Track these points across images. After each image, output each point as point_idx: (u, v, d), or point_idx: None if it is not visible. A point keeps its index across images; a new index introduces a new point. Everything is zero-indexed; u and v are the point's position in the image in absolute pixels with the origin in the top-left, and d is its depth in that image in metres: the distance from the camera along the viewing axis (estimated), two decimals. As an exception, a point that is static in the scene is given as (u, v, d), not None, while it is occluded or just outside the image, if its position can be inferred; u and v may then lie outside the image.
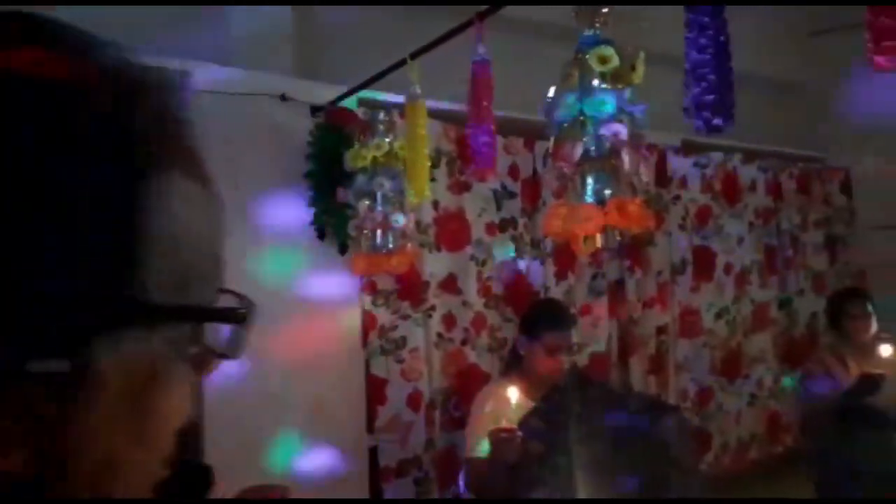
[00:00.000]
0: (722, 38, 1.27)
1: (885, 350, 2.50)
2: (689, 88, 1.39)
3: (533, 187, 2.92)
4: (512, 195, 2.87)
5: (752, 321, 3.75)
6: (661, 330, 3.35)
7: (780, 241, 3.96)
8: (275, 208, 2.33)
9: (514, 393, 1.90)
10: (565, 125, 1.45)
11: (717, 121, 1.29)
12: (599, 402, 2.15)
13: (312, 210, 2.32)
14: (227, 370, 2.15)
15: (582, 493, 1.94)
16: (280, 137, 2.36)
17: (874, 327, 2.72)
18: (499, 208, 2.84)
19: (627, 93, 1.45)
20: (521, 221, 2.89)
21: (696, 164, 3.58)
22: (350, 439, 2.39)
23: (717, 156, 3.68)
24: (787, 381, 3.81)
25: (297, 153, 2.35)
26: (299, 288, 2.36)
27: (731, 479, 3.52)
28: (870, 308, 2.74)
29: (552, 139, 1.48)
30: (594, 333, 3.12)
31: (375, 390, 2.47)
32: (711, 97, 1.29)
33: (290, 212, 2.34)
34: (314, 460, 2.33)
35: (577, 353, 2.95)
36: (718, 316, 3.62)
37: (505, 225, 2.85)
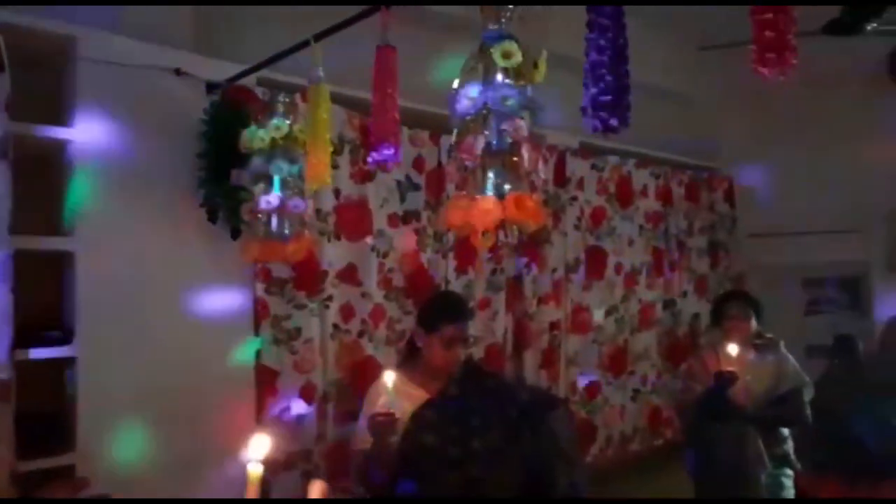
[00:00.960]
0: (621, 40, 1.31)
1: (732, 349, 2.67)
2: (587, 89, 1.43)
3: (437, 180, 2.92)
4: (416, 187, 2.86)
5: (638, 320, 3.93)
6: (553, 325, 3.45)
7: (668, 244, 4.17)
8: (164, 187, 2.22)
9: (390, 377, 1.88)
10: (468, 118, 1.45)
11: (612, 121, 1.33)
12: (493, 393, 2.19)
13: (203, 191, 2.22)
14: (104, 356, 2.03)
15: (474, 484, 1.97)
16: (173, 114, 2.25)
17: (753, 327, 2.92)
18: (402, 200, 2.83)
19: (529, 90, 1.47)
20: (425, 214, 2.89)
21: (592, 167, 3.71)
22: (236, 431, 2.30)
23: (612, 159, 3.82)
24: (667, 378, 4.02)
25: (190, 131, 2.24)
26: (187, 271, 2.26)
27: (614, 470, 3.68)
28: (749, 311, 2.93)
29: (455, 131, 1.48)
30: (491, 327, 3.17)
31: (266, 381, 2.39)
32: (608, 98, 1.33)
33: (180, 192, 2.23)
34: (198, 452, 2.23)
35: (474, 345, 2.99)
36: (608, 313, 3.77)
37: (408, 217, 2.84)
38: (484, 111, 1.46)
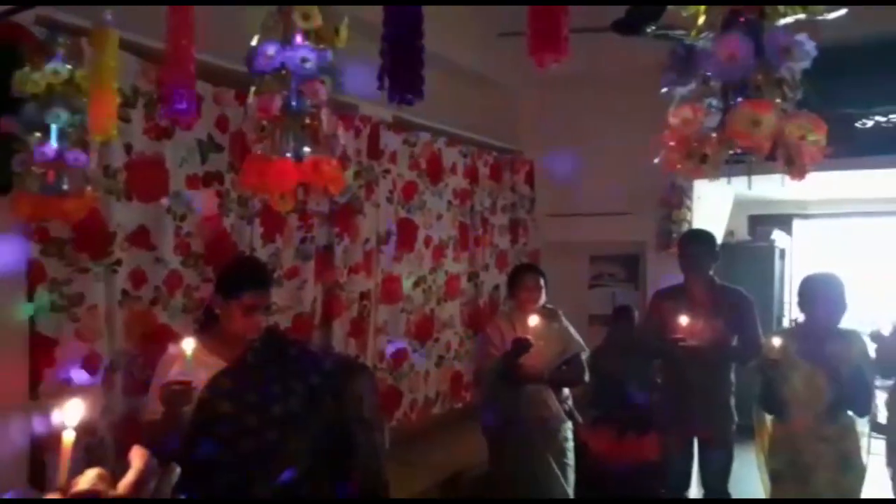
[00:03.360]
0: (417, 14, 1.36)
1: (532, 320, 2.92)
2: (383, 59, 1.46)
3: (243, 141, 2.81)
4: (219, 148, 2.74)
5: (444, 290, 4.11)
6: (364, 295, 3.50)
7: (473, 220, 4.39)
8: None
9: (189, 344, 1.83)
10: (265, 76, 1.43)
11: (407, 93, 1.39)
12: (294, 361, 2.19)
13: (-33, 139, 1.96)
14: None
15: (272, 451, 1.96)
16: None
17: (543, 298, 3.17)
18: (203, 160, 2.69)
19: (329, 54, 1.47)
20: (229, 177, 2.78)
21: (405, 142, 3.79)
22: (7, 406, 2.09)
23: (424, 135, 3.94)
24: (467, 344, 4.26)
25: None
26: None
27: (417, 431, 3.85)
28: (541, 281, 3.18)
29: (252, 89, 1.45)
30: (299, 296, 3.14)
31: (42, 351, 2.19)
32: (403, 69, 1.38)
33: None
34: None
35: (280, 314, 2.95)
36: (416, 284, 3.91)
37: (209, 178, 2.72)
38: (283, 71, 1.44)
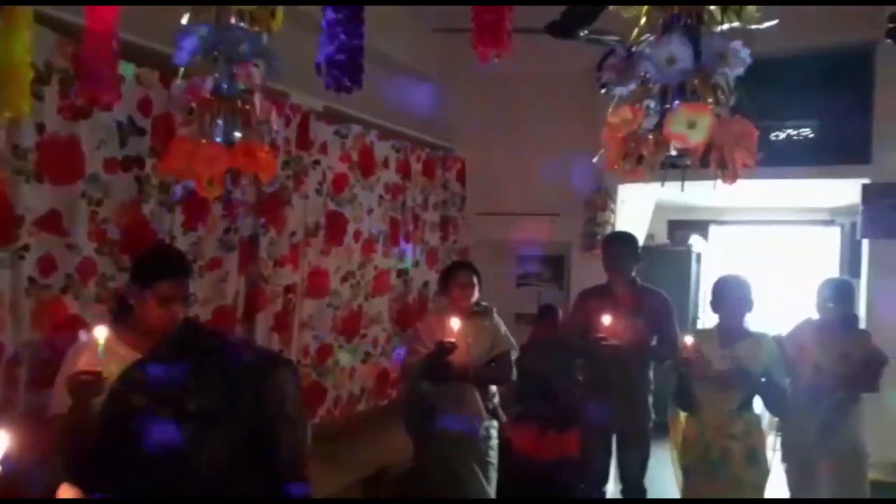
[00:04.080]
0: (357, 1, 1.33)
1: (454, 323, 2.91)
2: (323, 46, 1.43)
3: (166, 126, 2.68)
4: (140, 131, 2.61)
5: (373, 286, 4.07)
6: (289, 289, 3.42)
7: (404, 216, 4.36)
8: None
9: (101, 333, 1.73)
10: (197, 57, 1.36)
11: (345, 81, 1.35)
12: (214, 354, 2.10)
13: None
14: None
15: (187, 447, 1.88)
16: None
17: (476, 296, 3.18)
18: (123, 144, 2.55)
19: (265, 38, 1.43)
20: (150, 162, 2.65)
21: (336, 133, 3.72)
22: None
23: (356, 128, 3.88)
24: (394, 341, 4.24)
25: None
26: None
27: (341, 428, 3.79)
28: (475, 279, 3.18)
29: (181, 70, 1.39)
30: (221, 289, 3.04)
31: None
32: (343, 57, 1.35)
33: None
34: None
35: (199, 305, 2.84)
36: (344, 279, 3.85)
37: (129, 163, 2.58)
38: (215, 53, 1.38)
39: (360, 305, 3.98)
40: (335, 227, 3.75)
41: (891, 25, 0.92)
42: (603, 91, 1.17)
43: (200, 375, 1.94)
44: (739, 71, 1.04)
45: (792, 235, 6.30)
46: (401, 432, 3.28)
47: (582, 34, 3.01)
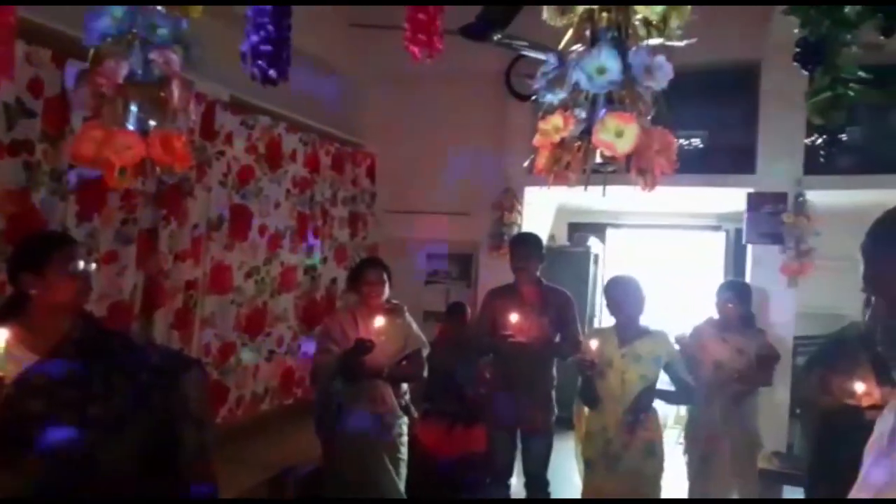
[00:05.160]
0: (286, -7, 1.30)
1: (377, 321, 2.90)
2: (249, 36, 1.38)
3: (59, 109, 2.51)
4: (30, 114, 2.42)
5: (279, 282, 3.97)
6: (190, 284, 3.28)
7: (313, 211, 4.28)
8: None
9: (2, 335, 1.60)
10: (109, 38, 1.28)
11: (271, 72, 1.32)
12: (119, 356, 1.98)
13: None
14: None
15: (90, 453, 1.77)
16: None
17: (387, 293, 3.16)
18: (10, 127, 2.36)
19: (185, 23, 1.36)
20: (41, 147, 2.47)
21: (242, 123, 3.61)
22: None
23: (264, 119, 3.77)
24: (300, 340, 4.16)
25: None
26: None
27: (244, 428, 3.68)
28: (385, 276, 3.16)
29: (92, 51, 1.30)
30: (117, 283, 2.87)
31: None
32: (269, 48, 1.31)
33: None
34: None
35: (94, 301, 2.67)
36: (248, 275, 3.73)
37: (16, 147, 2.39)
38: (129, 36, 1.31)
39: (265, 302, 3.87)
40: (240, 220, 3.64)
41: (798, 50, 1.00)
42: (533, 98, 1.20)
43: (103, 378, 1.82)
44: (664, 84, 1.10)
45: (682, 239, 6.68)
46: (306, 431, 3.22)
47: (495, 38, 3.06)
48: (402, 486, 3.06)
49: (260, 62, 1.32)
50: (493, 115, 4.73)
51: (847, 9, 1.03)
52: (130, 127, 1.32)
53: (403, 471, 3.11)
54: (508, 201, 4.71)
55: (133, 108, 1.32)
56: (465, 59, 3.68)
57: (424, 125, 4.80)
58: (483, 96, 4.73)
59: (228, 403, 3.59)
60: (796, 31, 1.10)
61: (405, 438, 3.15)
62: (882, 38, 1.02)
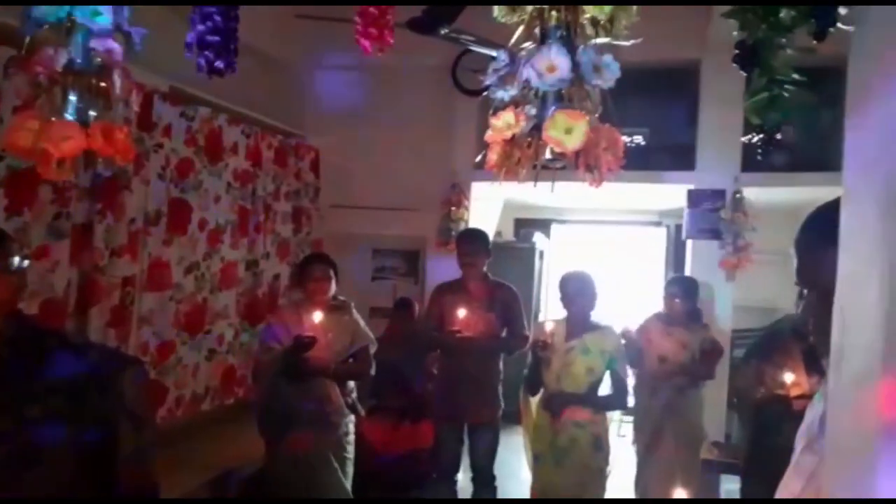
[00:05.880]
0: (234, -18, 1.27)
1: (316, 316, 2.87)
2: (195, 25, 1.35)
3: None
4: (-46, 103, 2.31)
5: (220, 278, 3.88)
6: (127, 281, 3.18)
7: (255, 205, 4.20)
8: None
9: None
10: (47, 25, 1.23)
11: (218, 63, 1.29)
12: (55, 355, 1.91)
13: None
14: None
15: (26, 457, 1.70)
16: None
17: (333, 289, 3.12)
18: (-68, 115, 2.25)
19: (126, 10, 1.32)
20: (-35, 138, 2.34)
21: (182, 115, 3.51)
22: None
23: (204, 110, 3.68)
24: (245, 337, 4.08)
25: None
26: None
27: (183, 429, 3.59)
28: (331, 272, 3.11)
29: (28, 38, 1.24)
30: (49, 279, 2.76)
31: None
32: (216, 38, 1.28)
33: None
34: None
35: (25, 298, 2.56)
36: (188, 271, 3.64)
37: (-61, 138, 2.27)
38: (68, 23, 1.26)
39: (205, 299, 3.78)
40: (179, 215, 3.54)
41: (737, 52, 1.04)
42: (483, 94, 1.21)
43: (40, 379, 1.75)
44: (612, 82, 1.12)
45: (625, 234, 6.84)
46: (248, 432, 3.16)
47: (443, 31, 3.06)
48: (348, 485, 3.04)
49: (207, 53, 1.29)
50: (439, 110, 4.73)
51: (783, 13, 1.08)
52: (69, 117, 1.27)
53: (350, 469, 3.08)
54: (456, 197, 4.73)
55: (72, 97, 1.27)
56: (411, 52, 3.67)
57: (370, 119, 4.76)
58: (429, 91, 4.73)
59: (168, 403, 3.49)
60: (735, 33, 1.14)
61: (352, 437, 3.12)
62: (815, 41, 1.07)
